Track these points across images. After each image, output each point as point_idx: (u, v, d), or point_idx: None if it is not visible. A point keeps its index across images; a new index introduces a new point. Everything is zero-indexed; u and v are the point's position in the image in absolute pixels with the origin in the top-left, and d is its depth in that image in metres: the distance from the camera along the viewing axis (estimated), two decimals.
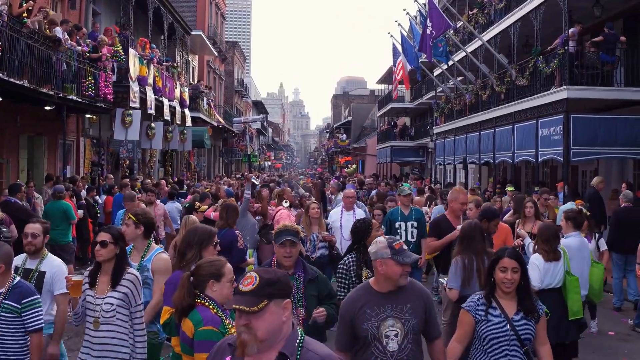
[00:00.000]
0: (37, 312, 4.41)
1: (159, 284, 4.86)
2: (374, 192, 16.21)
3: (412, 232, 8.92)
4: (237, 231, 7.49)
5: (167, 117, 21.88)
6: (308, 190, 14.66)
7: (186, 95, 25.71)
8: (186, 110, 25.34)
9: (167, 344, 7.41)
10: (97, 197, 14.27)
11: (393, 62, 26.40)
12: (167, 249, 7.32)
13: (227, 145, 46.39)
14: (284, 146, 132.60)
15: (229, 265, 3.76)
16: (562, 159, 14.37)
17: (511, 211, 10.28)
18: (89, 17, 19.47)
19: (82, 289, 4.54)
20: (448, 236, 7.14)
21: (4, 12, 11.30)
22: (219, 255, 6.61)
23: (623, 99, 14.87)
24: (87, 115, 17.93)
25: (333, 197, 15.00)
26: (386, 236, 4.10)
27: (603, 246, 8.65)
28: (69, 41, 14.35)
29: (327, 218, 9.68)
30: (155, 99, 20.27)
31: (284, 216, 8.81)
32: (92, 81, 15.16)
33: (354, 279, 5.36)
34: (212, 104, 33.81)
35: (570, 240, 6.74)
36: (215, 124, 34.86)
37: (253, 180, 12.01)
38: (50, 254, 5.19)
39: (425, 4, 21.52)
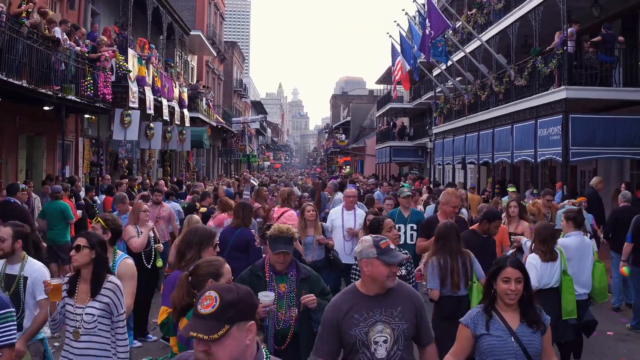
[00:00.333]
0: (7, 326, 3.90)
1: (128, 288, 4.77)
2: (376, 193, 16.01)
3: (411, 234, 8.82)
4: (253, 230, 7.47)
5: (166, 117, 21.88)
6: (307, 191, 14.64)
7: (185, 96, 25.71)
8: (185, 111, 25.34)
9: (165, 343, 7.46)
10: (96, 197, 14.27)
11: (392, 62, 26.42)
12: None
13: (226, 146, 46.40)
14: (283, 146, 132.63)
15: (227, 265, 3.76)
16: (560, 159, 14.39)
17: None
18: (88, 17, 19.47)
19: (62, 295, 4.36)
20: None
21: (3, 12, 11.29)
22: (236, 255, 6.68)
23: (622, 99, 14.89)
24: (86, 116, 17.92)
25: (330, 197, 14.98)
26: (373, 235, 3.93)
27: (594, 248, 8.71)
28: (68, 41, 14.35)
29: (323, 220, 9.62)
30: (154, 99, 20.26)
31: (292, 218, 8.71)
32: (91, 81, 15.16)
33: None
34: (211, 104, 33.82)
35: (570, 240, 6.76)
36: (214, 124, 34.87)
37: (252, 181, 12.00)
38: (30, 258, 4.95)
39: (424, 4, 21.53)
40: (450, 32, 21.38)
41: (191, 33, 30.36)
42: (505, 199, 13.89)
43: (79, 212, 12.11)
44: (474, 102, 22.00)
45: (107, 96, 16.24)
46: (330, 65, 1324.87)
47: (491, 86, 19.84)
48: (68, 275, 4.51)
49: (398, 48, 24.96)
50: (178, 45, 27.73)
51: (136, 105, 18.34)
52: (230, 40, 64.88)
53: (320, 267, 7.51)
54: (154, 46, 22.24)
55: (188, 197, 13.80)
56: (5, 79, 10.97)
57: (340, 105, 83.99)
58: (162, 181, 17.90)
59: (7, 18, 11.45)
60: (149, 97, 19.55)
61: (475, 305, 5.95)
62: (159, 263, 8.26)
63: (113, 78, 17.05)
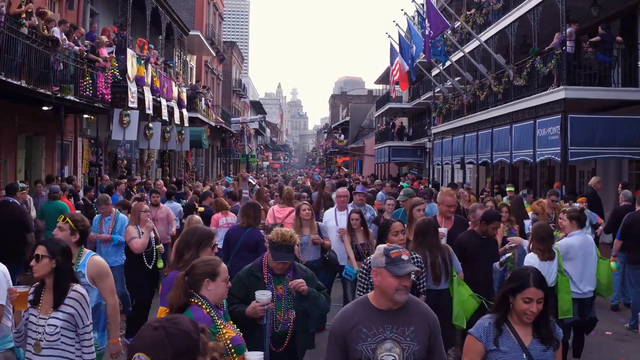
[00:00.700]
0: None
1: (106, 287, 4.70)
2: (379, 194, 15.85)
3: None
4: (262, 231, 7.46)
5: (165, 117, 21.88)
6: (306, 191, 14.61)
7: (184, 96, 25.70)
8: (184, 111, 25.33)
9: None
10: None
11: (390, 62, 26.41)
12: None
13: (225, 146, 46.40)
14: (282, 146, 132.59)
15: (224, 264, 3.75)
16: (559, 159, 14.40)
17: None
18: (87, 17, 19.48)
19: (27, 306, 4.13)
20: None
21: (3, 12, 11.29)
22: (246, 255, 6.67)
23: (620, 99, 14.90)
24: (85, 116, 17.92)
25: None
26: (389, 244, 3.70)
27: None
28: (67, 41, 14.34)
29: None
30: (153, 99, 20.25)
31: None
32: (90, 81, 15.15)
33: (370, 281, 5.10)
34: (210, 104, 33.80)
35: (573, 239, 6.82)
36: (213, 124, 34.86)
37: (250, 180, 11.99)
38: None
39: (423, 4, 21.52)
40: (449, 32, 21.38)
41: (190, 33, 30.35)
42: (505, 199, 13.92)
43: (78, 212, 12.08)
44: (473, 102, 22.01)
45: (106, 96, 16.24)
46: (329, 65, 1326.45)
47: (490, 86, 19.84)
48: (35, 284, 4.21)
49: (397, 48, 24.96)
50: (177, 45, 27.73)
51: (135, 105, 18.33)
52: (229, 40, 64.83)
53: (317, 267, 7.49)
54: (153, 46, 22.24)
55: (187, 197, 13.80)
56: (4, 79, 10.97)
57: (339, 105, 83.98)
58: (161, 181, 17.89)
59: (6, 18, 11.45)
60: (148, 97, 19.54)
61: (456, 299, 6.01)
62: (160, 264, 8.26)
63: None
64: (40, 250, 4.07)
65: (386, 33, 26.11)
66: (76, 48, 14.87)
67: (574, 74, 14.66)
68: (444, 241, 7.19)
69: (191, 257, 4.35)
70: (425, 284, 5.60)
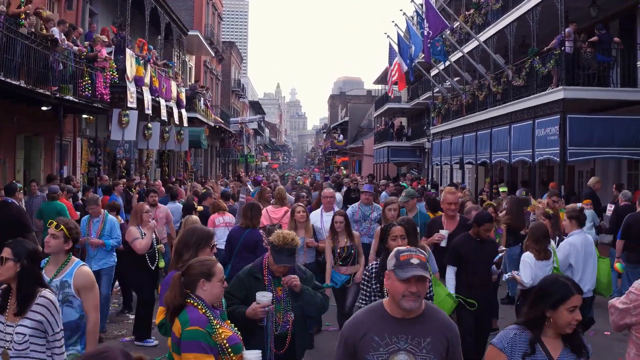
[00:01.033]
0: None
1: (89, 300, 4.44)
2: (382, 194, 15.71)
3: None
4: (262, 231, 7.48)
5: (164, 117, 21.87)
6: (306, 190, 14.60)
7: (183, 96, 25.69)
8: (183, 111, 25.32)
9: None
10: None
11: (389, 62, 26.43)
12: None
13: (224, 146, 46.40)
14: (281, 146, 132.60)
15: (219, 265, 3.74)
16: (558, 159, 14.40)
17: (504, 211, 10.42)
18: (86, 17, 19.47)
19: None
20: (430, 238, 7.28)
21: (2, 12, 11.28)
22: (246, 255, 6.68)
23: (619, 100, 14.91)
24: (84, 116, 17.92)
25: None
26: (409, 247, 3.47)
27: None
28: (66, 41, 14.34)
29: None
30: (152, 99, 20.25)
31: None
32: (89, 81, 15.15)
33: (374, 287, 5.07)
34: (209, 104, 33.78)
35: (574, 239, 6.86)
36: (212, 124, 34.86)
37: (249, 186, 11.97)
38: None
39: (422, 5, 21.53)
40: (448, 32, 21.39)
41: (189, 33, 30.36)
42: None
43: (78, 212, 12.08)
44: (472, 102, 22.02)
45: (105, 96, 16.23)
46: (328, 66, 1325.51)
47: (489, 86, 19.85)
48: (2, 287, 3.98)
49: (396, 48, 24.97)
50: (176, 46, 27.73)
51: (134, 106, 18.32)
52: (228, 40, 64.83)
53: (312, 270, 7.45)
54: (152, 47, 22.23)
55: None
56: (3, 79, 10.97)
57: (338, 106, 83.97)
58: (159, 181, 17.89)
59: (6, 18, 11.44)
60: (147, 97, 19.54)
61: (439, 296, 5.92)
62: (161, 264, 8.25)
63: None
64: (5, 252, 3.85)
65: (385, 33, 26.17)
66: (75, 48, 14.86)
67: (572, 74, 14.68)
68: (443, 244, 7.19)
69: (190, 257, 4.34)
70: (432, 292, 5.45)
